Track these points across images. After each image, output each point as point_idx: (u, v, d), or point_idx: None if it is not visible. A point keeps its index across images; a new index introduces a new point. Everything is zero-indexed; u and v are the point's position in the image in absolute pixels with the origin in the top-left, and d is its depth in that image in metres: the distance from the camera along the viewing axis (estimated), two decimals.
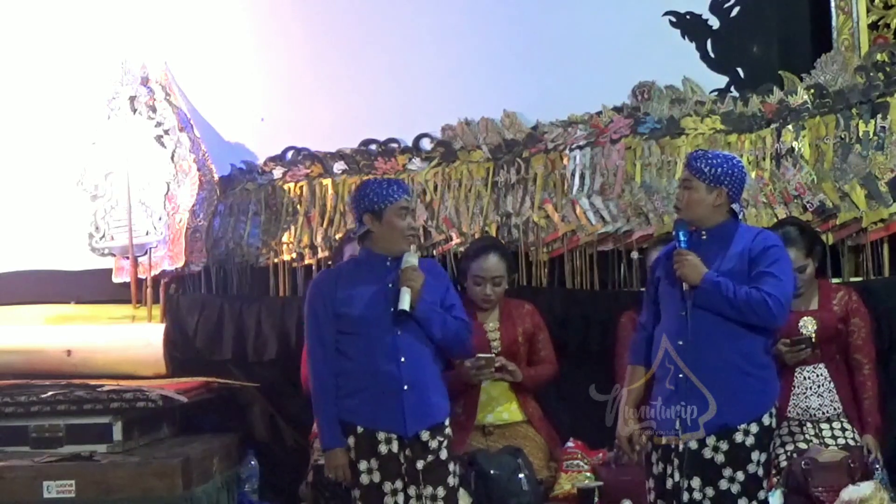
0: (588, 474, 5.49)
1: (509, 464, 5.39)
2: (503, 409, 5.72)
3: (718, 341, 4.61)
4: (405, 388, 4.68)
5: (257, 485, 6.01)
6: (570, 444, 5.68)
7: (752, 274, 4.64)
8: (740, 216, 4.79)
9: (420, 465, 4.66)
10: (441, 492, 4.67)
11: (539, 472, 5.53)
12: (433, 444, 4.68)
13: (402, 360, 4.70)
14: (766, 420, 4.65)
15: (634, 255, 6.15)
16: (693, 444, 4.60)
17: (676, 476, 4.60)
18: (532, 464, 5.48)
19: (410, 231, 4.82)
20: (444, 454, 4.72)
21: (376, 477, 4.69)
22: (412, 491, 4.66)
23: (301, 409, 6.02)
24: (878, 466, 5.42)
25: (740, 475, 4.59)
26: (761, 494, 4.65)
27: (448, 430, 4.79)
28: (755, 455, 4.61)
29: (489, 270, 5.72)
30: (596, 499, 5.36)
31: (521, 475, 5.39)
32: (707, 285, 4.60)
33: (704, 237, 4.72)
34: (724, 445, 4.59)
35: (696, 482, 4.59)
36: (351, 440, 4.74)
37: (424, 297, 4.74)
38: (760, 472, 4.62)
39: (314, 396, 4.84)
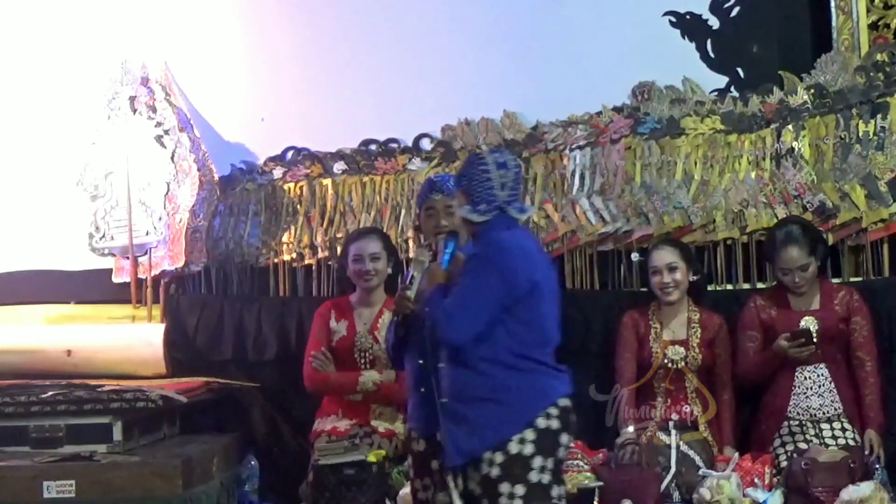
0: (588, 474, 5.48)
1: None
2: None
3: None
4: (422, 390, 4.50)
5: (257, 485, 6.00)
6: None
7: None
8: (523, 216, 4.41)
9: (435, 464, 4.57)
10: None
11: None
12: None
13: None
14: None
15: (635, 256, 6.12)
16: None
17: None
18: None
19: (436, 231, 4.66)
20: None
21: (412, 473, 4.71)
22: (431, 485, 4.61)
23: (301, 410, 6.03)
24: (878, 466, 5.42)
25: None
26: None
27: None
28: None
29: None
30: (596, 499, 5.36)
31: None
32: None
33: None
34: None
35: None
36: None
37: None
38: None
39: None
